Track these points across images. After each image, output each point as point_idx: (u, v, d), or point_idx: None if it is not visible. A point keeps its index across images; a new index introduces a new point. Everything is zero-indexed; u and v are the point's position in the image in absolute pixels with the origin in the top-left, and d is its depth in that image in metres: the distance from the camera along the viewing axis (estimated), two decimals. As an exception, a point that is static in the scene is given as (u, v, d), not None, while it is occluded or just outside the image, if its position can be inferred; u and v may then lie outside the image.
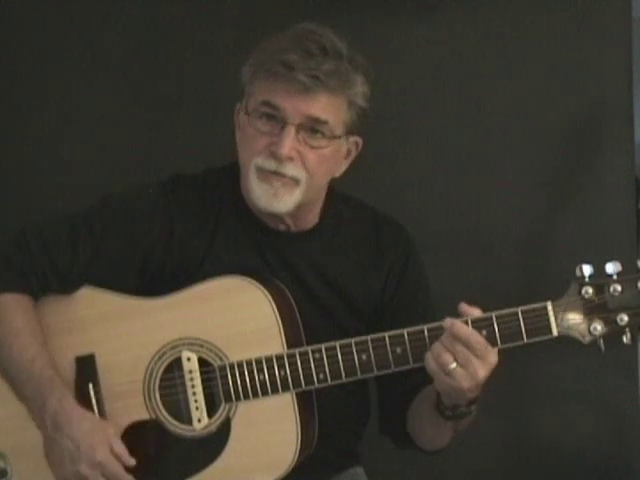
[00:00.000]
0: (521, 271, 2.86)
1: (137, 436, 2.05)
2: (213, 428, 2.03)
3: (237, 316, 2.02)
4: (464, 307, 1.94)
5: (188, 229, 2.11)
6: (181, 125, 2.89)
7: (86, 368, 2.06)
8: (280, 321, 2.00)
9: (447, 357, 1.90)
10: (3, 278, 2.08)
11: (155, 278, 2.10)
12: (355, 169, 2.15)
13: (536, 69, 2.82)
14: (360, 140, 2.12)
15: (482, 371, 1.91)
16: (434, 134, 2.86)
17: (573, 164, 2.84)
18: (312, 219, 2.15)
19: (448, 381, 1.91)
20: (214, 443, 2.02)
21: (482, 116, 2.85)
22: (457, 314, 1.94)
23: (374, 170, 2.74)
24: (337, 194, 2.18)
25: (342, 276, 2.14)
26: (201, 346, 2.03)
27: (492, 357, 1.92)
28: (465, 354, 1.90)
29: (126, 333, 2.06)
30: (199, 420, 2.02)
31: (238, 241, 2.11)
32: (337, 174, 2.12)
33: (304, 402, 2.02)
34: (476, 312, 1.94)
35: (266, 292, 2.01)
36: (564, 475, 2.87)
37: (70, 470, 2.00)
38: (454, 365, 1.90)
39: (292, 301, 2.06)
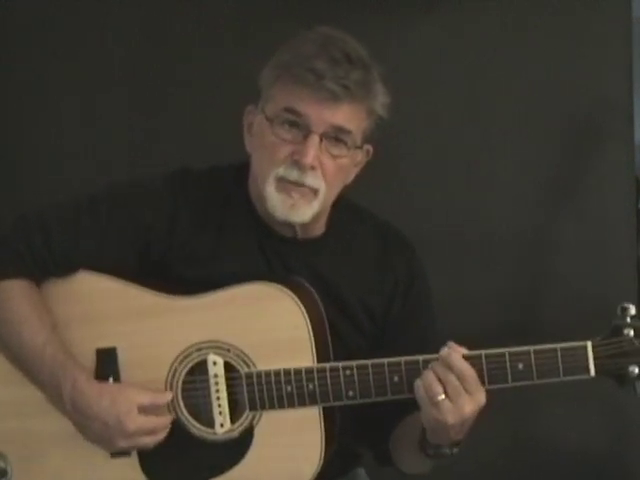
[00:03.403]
0: (520, 271, 2.86)
1: None
2: (235, 434, 2.00)
3: (268, 324, 1.98)
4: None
5: (193, 223, 2.07)
6: (182, 123, 2.88)
7: (107, 361, 2.02)
8: (312, 333, 1.96)
9: (438, 387, 1.88)
10: (2, 264, 2.04)
11: (155, 266, 2.06)
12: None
13: (536, 69, 2.82)
14: (371, 148, 2.10)
15: (469, 407, 1.88)
16: (433, 134, 2.85)
17: (573, 164, 2.83)
18: (319, 227, 2.12)
19: (434, 413, 1.89)
20: (235, 449, 2.00)
21: (482, 116, 2.85)
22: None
23: (373, 171, 2.73)
24: (347, 203, 2.16)
25: (345, 289, 2.10)
26: (228, 350, 1.99)
27: (481, 395, 1.90)
28: (456, 386, 1.88)
29: (151, 330, 2.02)
30: (222, 425, 2.00)
31: (243, 243, 2.08)
32: (348, 182, 2.10)
33: (329, 416, 1.99)
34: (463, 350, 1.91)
35: (299, 303, 1.97)
36: (564, 475, 2.86)
37: (113, 448, 1.99)
38: (443, 397, 1.88)
39: (323, 312, 2.02)
